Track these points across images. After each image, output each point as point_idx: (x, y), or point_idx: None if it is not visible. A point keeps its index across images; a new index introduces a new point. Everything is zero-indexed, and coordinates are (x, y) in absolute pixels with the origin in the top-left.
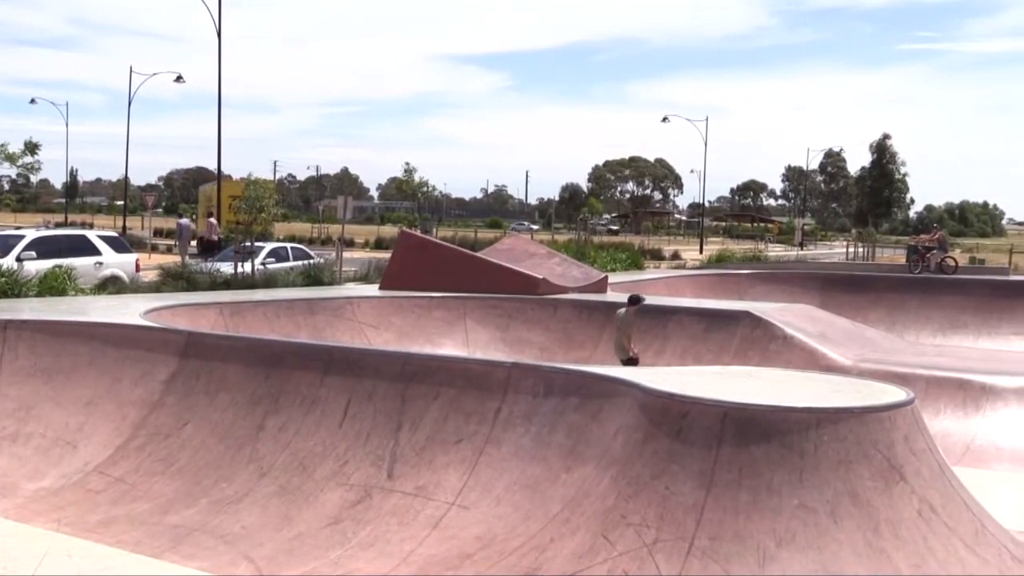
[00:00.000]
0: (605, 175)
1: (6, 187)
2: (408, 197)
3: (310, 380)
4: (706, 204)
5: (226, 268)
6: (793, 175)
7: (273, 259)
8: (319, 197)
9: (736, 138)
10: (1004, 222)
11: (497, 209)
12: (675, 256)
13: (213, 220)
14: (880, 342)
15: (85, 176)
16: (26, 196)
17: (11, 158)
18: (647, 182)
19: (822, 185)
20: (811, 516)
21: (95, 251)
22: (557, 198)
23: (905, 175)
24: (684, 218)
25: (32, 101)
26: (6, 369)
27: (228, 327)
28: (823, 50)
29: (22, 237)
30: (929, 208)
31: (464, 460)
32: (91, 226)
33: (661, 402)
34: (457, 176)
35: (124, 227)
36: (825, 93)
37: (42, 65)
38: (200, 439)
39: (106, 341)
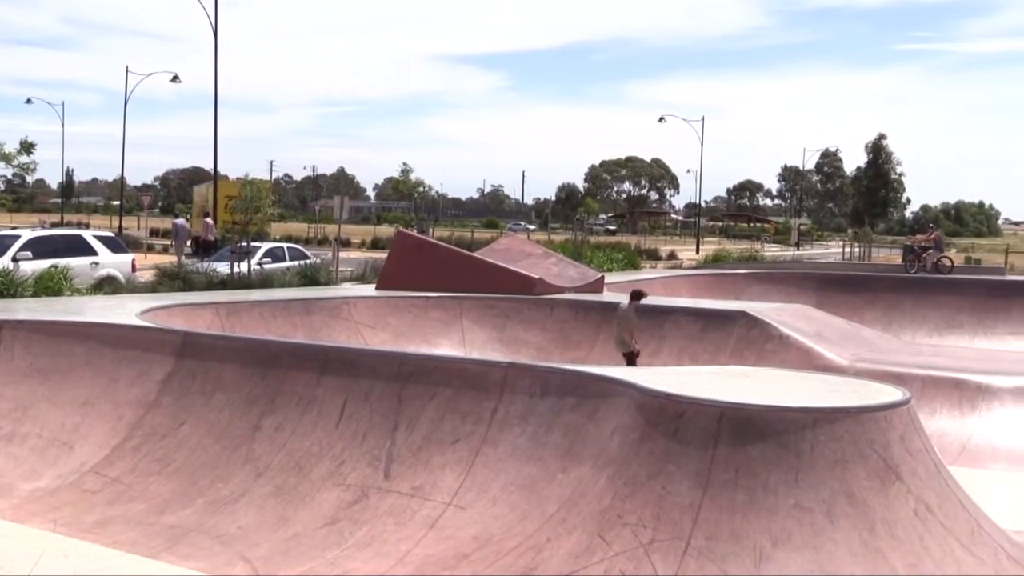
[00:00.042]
0: (601, 175)
1: (2, 187)
2: (404, 197)
3: (306, 380)
4: (702, 204)
5: (222, 268)
6: (789, 175)
7: (269, 259)
8: (315, 197)
9: (732, 138)
10: (1000, 222)
11: (493, 209)
12: (671, 256)
13: (209, 220)
14: (876, 342)
15: (81, 176)
16: (22, 196)
17: (7, 158)
18: (643, 182)
19: (818, 185)
20: (807, 516)
21: (91, 251)
22: (553, 198)
23: (901, 175)
24: (680, 218)
25: (28, 101)
26: (2, 369)
27: (224, 327)
28: (819, 50)
29: (18, 237)
30: (925, 208)
31: (461, 460)
32: (87, 226)
33: (658, 402)
34: (454, 176)
35: (120, 227)
36: (821, 93)
37: (38, 65)
38: (196, 439)
39: (102, 341)
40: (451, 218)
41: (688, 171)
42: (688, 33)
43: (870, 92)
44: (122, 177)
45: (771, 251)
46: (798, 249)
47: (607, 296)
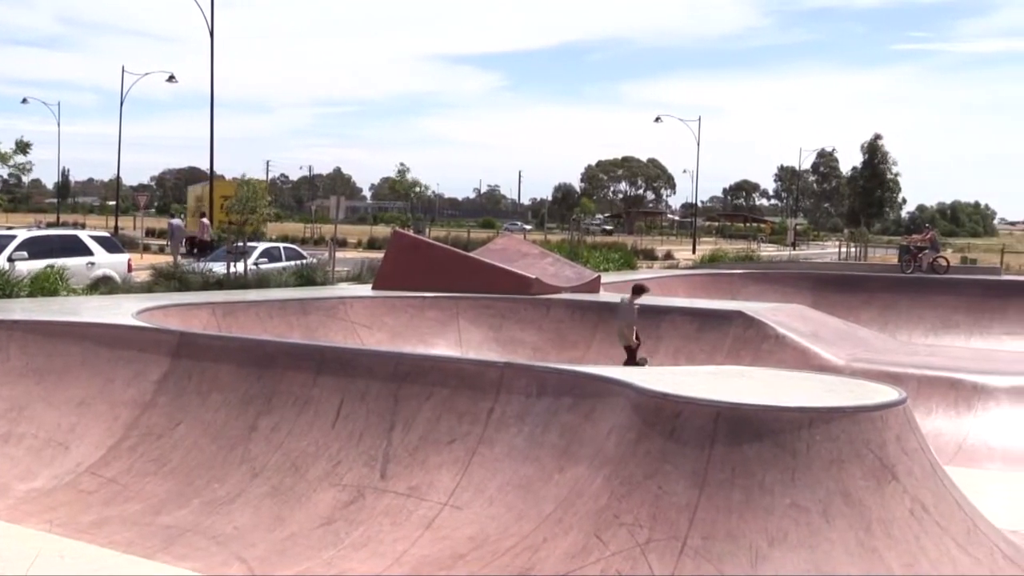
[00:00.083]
0: (598, 175)
1: None
2: (401, 197)
3: (303, 380)
4: (699, 204)
5: (218, 268)
6: (785, 175)
7: (266, 259)
8: (312, 197)
9: (729, 138)
10: (996, 222)
11: (490, 209)
12: (668, 256)
13: (205, 220)
14: (872, 342)
15: (77, 176)
16: (17, 196)
17: (3, 158)
18: (640, 182)
19: (814, 185)
20: (803, 515)
21: (87, 251)
22: (550, 198)
23: (897, 175)
24: (677, 218)
25: (24, 101)
26: None
27: (221, 327)
28: (815, 50)
29: (13, 237)
30: (921, 208)
31: (457, 460)
32: (83, 226)
33: (654, 402)
34: (450, 176)
35: (116, 227)
36: (817, 93)
37: (34, 65)
38: (192, 439)
39: (98, 341)
40: (447, 218)
41: (684, 171)
42: (685, 33)
43: (866, 92)
44: (118, 177)
45: (767, 251)
46: (794, 249)
47: (604, 296)
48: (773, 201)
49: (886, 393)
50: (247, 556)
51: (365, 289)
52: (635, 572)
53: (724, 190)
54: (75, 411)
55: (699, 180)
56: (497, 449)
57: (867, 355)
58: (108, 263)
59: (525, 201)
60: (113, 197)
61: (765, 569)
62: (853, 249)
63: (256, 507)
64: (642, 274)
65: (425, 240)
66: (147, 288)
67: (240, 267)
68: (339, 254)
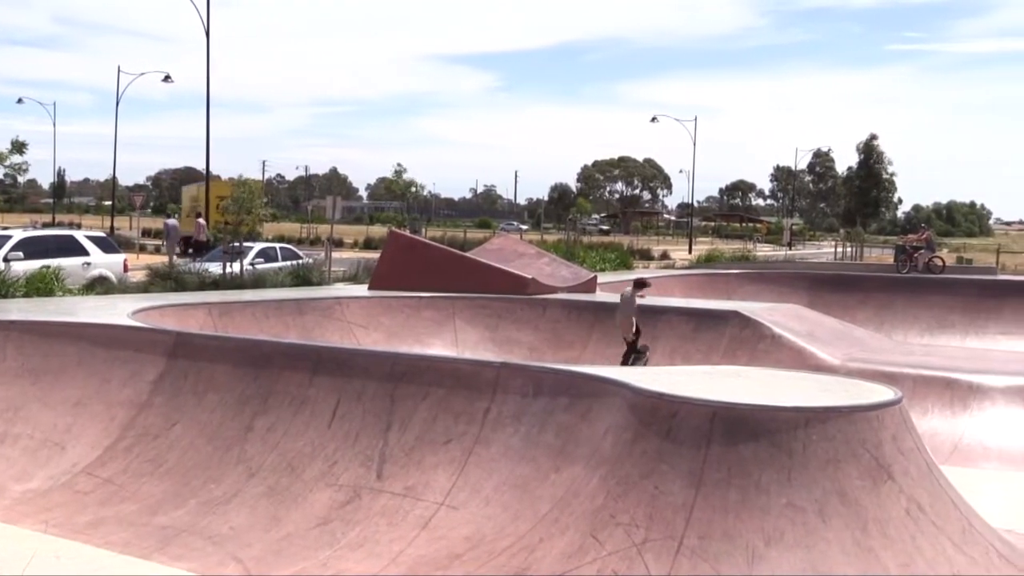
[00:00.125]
0: (594, 175)
1: None
2: (397, 197)
3: (299, 380)
4: (695, 204)
5: (214, 268)
6: (781, 175)
7: (262, 259)
8: (308, 197)
9: (725, 138)
10: (991, 222)
11: (486, 209)
12: (664, 256)
13: (202, 220)
14: (868, 341)
15: (73, 176)
16: (13, 196)
17: None
18: (636, 182)
19: (810, 185)
20: (800, 515)
21: (83, 251)
22: (546, 198)
23: (893, 175)
24: (673, 218)
25: (19, 101)
26: None
27: (217, 327)
28: (811, 50)
29: (9, 237)
30: (917, 208)
31: (453, 460)
32: (79, 226)
33: (650, 402)
34: (446, 176)
35: (112, 227)
36: (813, 93)
37: (30, 65)
38: (189, 440)
39: (94, 342)
40: (444, 218)
41: (681, 171)
42: (681, 33)
43: (862, 92)
44: (114, 177)
45: (763, 251)
46: (790, 249)
47: (600, 296)
48: (769, 201)
49: (882, 393)
50: (243, 556)
51: (361, 289)
52: (631, 572)
53: (720, 190)
54: (71, 411)
55: (695, 180)
56: (493, 449)
57: (863, 355)
58: (104, 263)
59: (521, 201)
60: (109, 197)
61: (761, 569)
62: (849, 249)
63: (252, 507)
64: (638, 274)
65: (421, 240)
66: (143, 288)
67: (236, 267)
68: (335, 254)
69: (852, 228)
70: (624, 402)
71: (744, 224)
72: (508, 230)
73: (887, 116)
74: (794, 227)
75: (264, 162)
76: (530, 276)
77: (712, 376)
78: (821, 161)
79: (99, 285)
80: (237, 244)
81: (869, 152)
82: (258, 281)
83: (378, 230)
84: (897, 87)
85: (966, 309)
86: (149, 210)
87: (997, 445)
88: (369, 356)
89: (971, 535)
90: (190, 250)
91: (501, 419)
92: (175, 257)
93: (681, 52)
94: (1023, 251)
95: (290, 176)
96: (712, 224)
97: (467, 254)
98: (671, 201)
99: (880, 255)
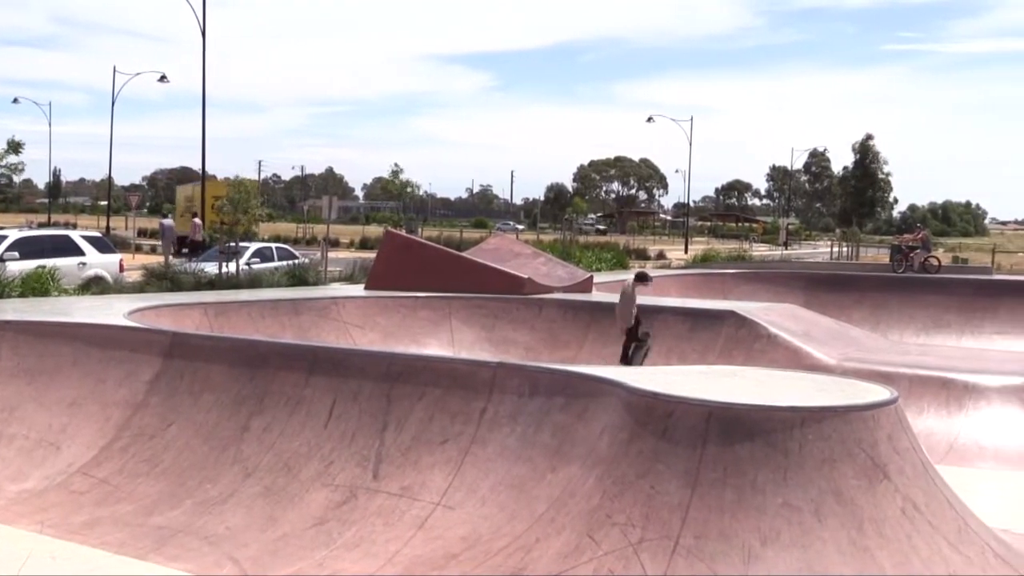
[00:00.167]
0: (590, 175)
1: None
2: (393, 197)
3: (295, 380)
4: (691, 204)
5: (210, 268)
6: (777, 175)
7: (258, 259)
8: (304, 197)
9: (721, 138)
10: (987, 222)
11: (482, 209)
12: (660, 256)
13: (197, 220)
14: (864, 341)
15: (68, 176)
16: (9, 196)
17: None
18: (632, 182)
19: (806, 185)
20: (795, 515)
21: (78, 251)
22: (542, 198)
23: (888, 175)
24: (669, 218)
25: (15, 101)
26: None
27: (213, 327)
28: (807, 50)
29: (5, 237)
30: (912, 208)
31: (450, 460)
32: (74, 226)
33: (646, 401)
34: (442, 176)
35: (108, 227)
36: (809, 93)
37: (25, 64)
38: (184, 440)
39: (90, 342)
40: (440, 218)
41: (677, 171)
42: (677, 33)
43: (858, 92)
44: (109, 177)
45: (759, 251)
46: (786, 249)
47: (596, 296)
48: (765, 201)
49: (878, 392)
50: (239, 556)
51: (357, 289)
52: (628, 572)
53: (716, 190)
54: (66, 412)
55: (691, 180)
56: (490, 449)
57: (859, 354)
58: (100, 263)
59: (518, 201)
60: (105, 197)
61: (758, 568)
62: (845, 249)
63: (248, 507)
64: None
65: (417, 240)
66: (139, 288)
67: (232, 267)
68: (331, 254)
69: (848, 228)
70: (620, 402)
71: (740, 224)
72: (504, 230)
73: (883, 116)
74: (790, 227)
75: (260, 162)
76: (526, 276)
77: (708, 376)
78: (817, 161)
79: (95, 285)
80: (233, 244)
81: (865, 152)
82: (254, 281)
83: (374, 230)
84: (893, 87)
85: (962, 309)
86: (145, 210)
87: (992, 445)
88: (365, 356)
89: (967, 535)
90: (184, 250)
91: (497, 419)
92: (170, 257)
93: (677, 52)
94: (1018, 251)
95: (286, 176)
96: (708, 224)
97: (463, 254)
98: (667, 201)
99: (876, 255)
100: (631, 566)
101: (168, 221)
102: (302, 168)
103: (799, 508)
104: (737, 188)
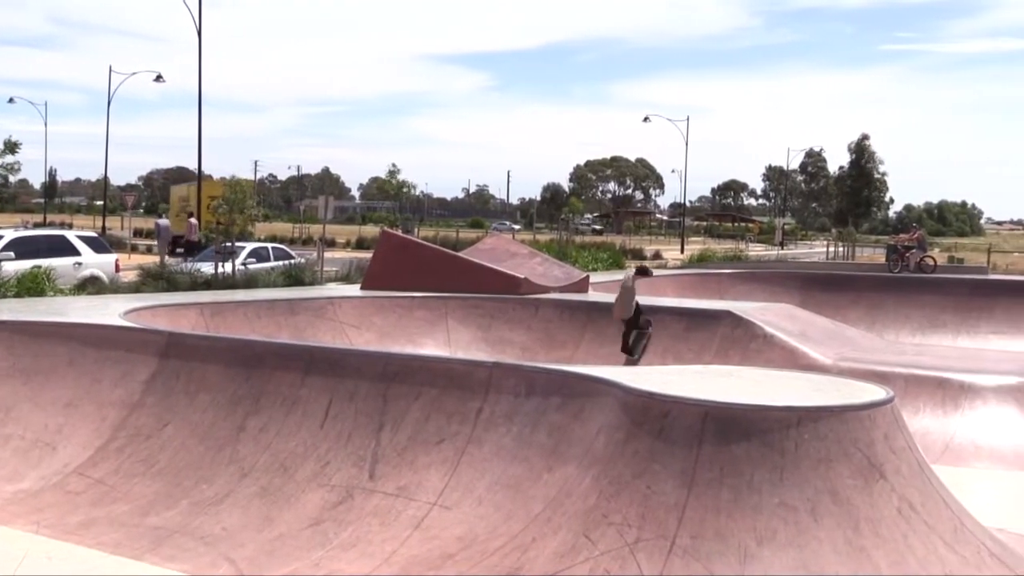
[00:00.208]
0: (586, 175)
1: None
2: (390, 197)
3: (291, 380)
4: (687, 204)
5: (206, 268)
6: (773, 175)
7: (254, 259)
8: (300, 197)
9: (717, 138)
10: (982, 221)
11: (479, 209)
12: (656, 256)
13: (193, 220)
14: (860, 341)
15: (64, 176)
16: (4, 196)
17: None
18: (628, 182)
19: (802, 185)
20: (792, 514)
21: (74, 251)
22: (539, 198)
23: (884, 175)
24: (665, 218)
25: (11, 100)
26: None
27: (209, 327)
28: (803, 50)
29: (0, 237)
30: (908, 208)
31: (446, 460)
32: (70, 226)
33: (642, 401)
34: (439, 176)
35: (104, 227)
36: (805, 93)
37: (21, 64)
38: (180, 440)
39: (85, 342)
40: (436, 218)
41: (673, 171)
42: (673, 33)
43: (854, 92)
44: (105, 177)
45: (755, 251)
46: (782, 249)
47: (592, 296)
48: (761, 201)
49: (874, 392)
50: (235, 557)
51: (353, 289)
52: (624, 572)
53: (712, 190)
54: (62, 412)
55: (687, 180)
56: (486, 449)
57: (855, 354)
58: (95, 263)
59: (514, 201)
60: (100, 197)
61: (754, 568)
62: (841, 249)
63: (244, 508)
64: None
65: (414, 240)
66: (135, 288)
67: (228, 267)
68: (327, 254)
69: (844, 228)
70: (616, 402)
71: (736, 224)
72: (501, 230)
73: (879, 116)
74: (786, 227)
75: (256, 162)
76: (522, 276)
77: (704, 375)
78: (813, 161)
79: (90, 285)
80: (229, 244)
81: (861, 152)
82: (250, 281)
83: (370, 230)
84: (889, 87)
85: (957, 308)
86: (141, 210)
87: (988, 444)
88: (361, 356)
89: (963, 534)
90: (179, 249)
91: (494, 419)
92: (166, 257)
93: (673, 52)
94: (1014, 251)
95: (282, 176)
96: (704, 224)
97: (459, 254)
98: (663, 201)
99: (872, 255)
100: (627, 566)
101: (164, 221)
102: (298, 168)
103: (795, 508)
104: (733, 188)
